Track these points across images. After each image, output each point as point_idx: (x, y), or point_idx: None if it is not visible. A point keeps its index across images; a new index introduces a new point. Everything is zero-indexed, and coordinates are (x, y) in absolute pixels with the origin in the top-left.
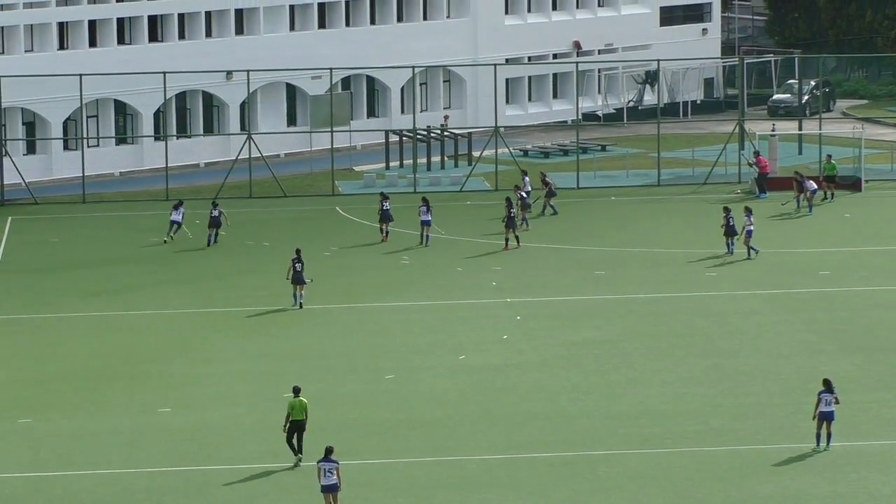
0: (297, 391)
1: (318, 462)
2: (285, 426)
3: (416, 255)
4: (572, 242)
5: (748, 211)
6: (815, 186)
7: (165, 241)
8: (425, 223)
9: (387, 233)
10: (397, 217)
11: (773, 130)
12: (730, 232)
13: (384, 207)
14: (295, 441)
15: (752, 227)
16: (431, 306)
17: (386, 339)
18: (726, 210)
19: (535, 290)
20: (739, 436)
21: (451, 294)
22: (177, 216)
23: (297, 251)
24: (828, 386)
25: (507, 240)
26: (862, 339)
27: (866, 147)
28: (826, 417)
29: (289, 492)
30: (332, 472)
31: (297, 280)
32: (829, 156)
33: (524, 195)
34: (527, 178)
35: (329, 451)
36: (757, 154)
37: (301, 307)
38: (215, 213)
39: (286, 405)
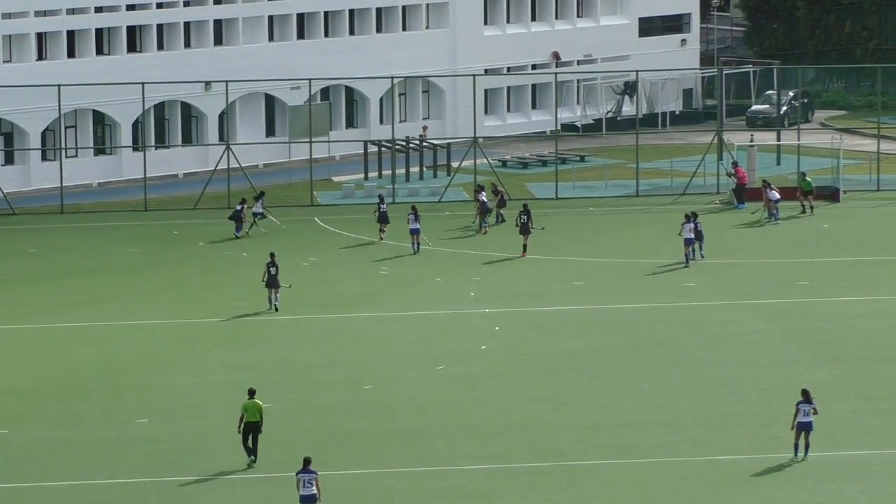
0: (251, 393)
1: (296, 473)
2: (239, 427)
3: (394, 266)
4: (551, 253)
5: (689, 218)
6: (778, 196)
7: (247, 234)
8: (414, 231)
9: (383, 231)
10: (377, 227)
11: (751, 141)
12: (698, 237)
13: (381, 209)
14: (250, 443)
15: (690, 236)
16: (410, 317)
17: (365, 350)
18: (694, 216)
19: (514, 301)
20: (717, 446)
21: (429, 304)
22: (258, 208)
23: (272, 255)
24: (806, 396)
25: (524, 246)
26: (840, 349)
27: (845, 158)
28: (804, 427)
29: (267, 502)
30: (311, 483)
31: (272, 284)
32: (804, 173)
33: (485, 200)
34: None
35: (307, 461)
36: (735, 165)
37: (276, 310)
38: (383, 207)
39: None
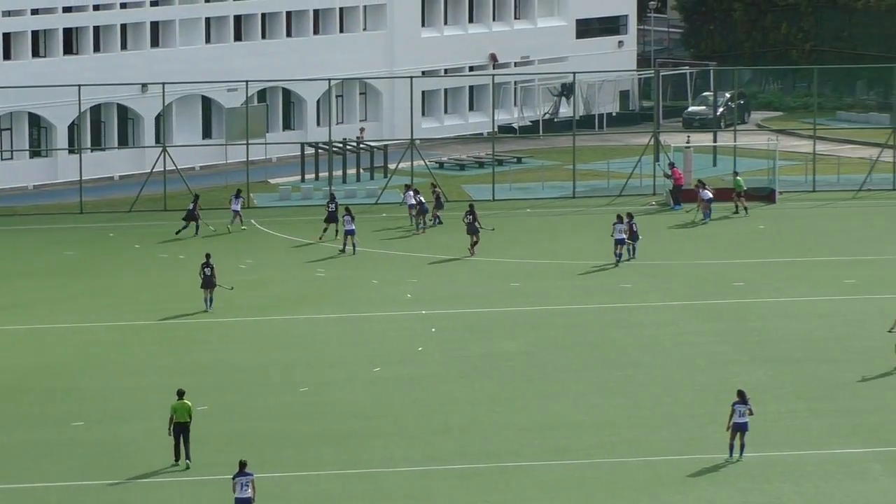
0: (181, 394)
1: (233, 477)
2: (170, 429)
3: (331, 268)
4: (487, 254)
5: (620, 219)
6: (711, 196)
7: (228, 230)
8: (349, 232)
9: (325, 231)
10: (314, 229)
11: (688, 142)
12: (633, 237)
13: (330, 209)
14: (182, 445)
15: (621, 236)
16: (346, 318)
17: (301, 352)
18: (630, 216)
19: (451, 302)
20: (653, 447)
21: (366, 306)
22: (236, 206)
23: (207, 255)
24: (741, 397)
25: (473, 244)
26: (775, 349)
27: (781, 159)
28: (739, 428)
29: None
30: (247, 486)
31: (207, 284)
32: (736, 172)
33: (422, 200)
34: (410, 192)
35: (243, 465)
36: (672, 166)
37: (208, 309)
38: (332, 207)
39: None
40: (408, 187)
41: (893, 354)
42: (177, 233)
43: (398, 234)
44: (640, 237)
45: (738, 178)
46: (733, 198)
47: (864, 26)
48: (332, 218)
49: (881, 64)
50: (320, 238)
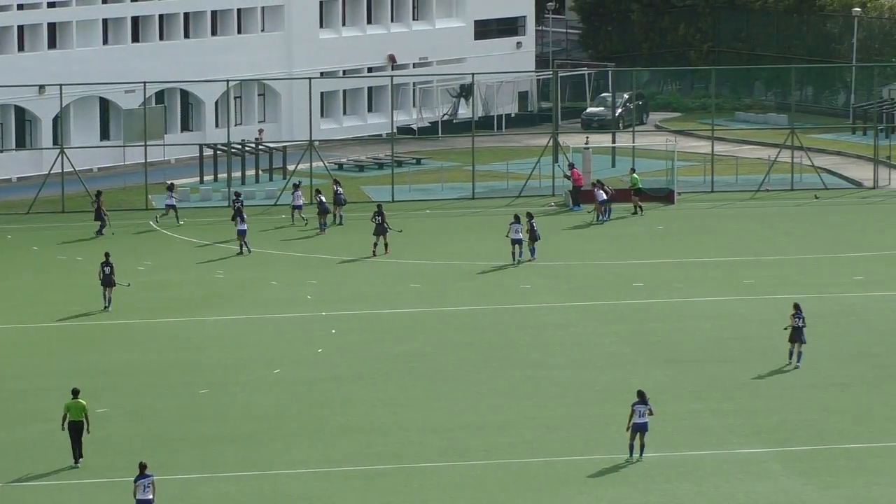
0: (75, 393)
1: (134, 480)
2: (63, 426)
3: (231, 269)
4: (387, 255)
5: (517, 219)
6: (605, 196)
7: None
8: (241, 232)
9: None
10: (212, 232)
11: (586, 143)
12: (534, 237)
13: (236, 208)
14: (75, 442)
15: (517, 236)
16: (246, 320)
17: (200, 354)
18: (530, 216)
19: (351, 304)
20: (554, 447)
21: (265, 308)
22: (171, 200)
23: (106, 254)
24: (641, 397)
25: (374, 245)
26: (675, 350)
27: (679, 159)
28: (639, 428)
29: None
30: (148, 488)
31: (107, 283)
32: (632, 169)
33: (323, 200)
34: (298, 192)
35: (143, 466)
36: (572, 167)
37: (108, 309)
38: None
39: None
40: (296, 187)
41: (788, 346)
42: (98, 233)
43: (298, 236)
44: (540, 238)
45: (635, 175)
46: (631, 198)
47: (761, 27)
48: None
49: (779, 65)
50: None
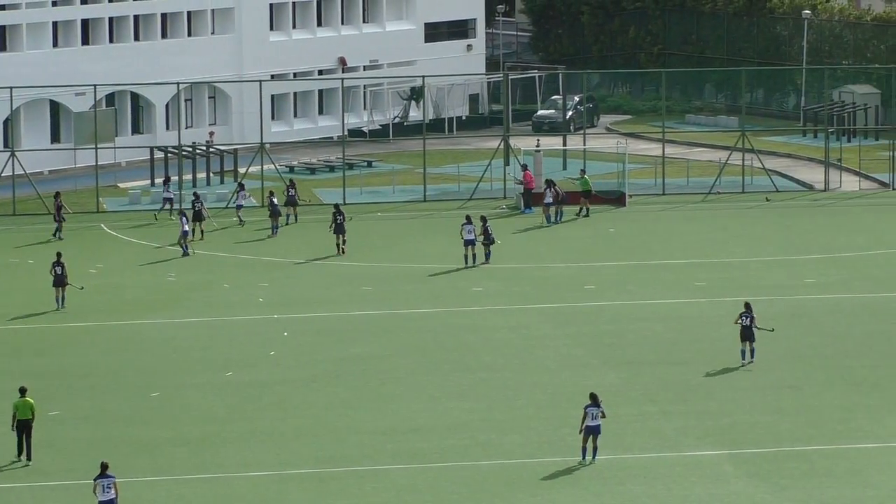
0: (23, 391)
1: (94, 479)
2: (13, 425)
3: (182, 272)
4: (339, 258)
5: (469, 219)
6: (550, 199)
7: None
8: (185, 234)
9: (202, 232)
10: (165, 234)
11: (537, 146)
12: (489, 240)
13: (196, 208)
14: (24, 442)
15: (470, 237)
16: (198, 323)
17: (152, 357)
18: (484, 219)
19: (303, 306)
20: (506, 450)
21: (217, 310)
22: (169, 193)
23: (58, 254)
24: (594, 400)
25: (338, 245)
26: (627, 352)
27: (630, 162)
28: (592, 431)
29: None
30: (110, 488)
31: (59, 283)
32: (583, 171)
33: (275, 202)
34: (244, 192)
35: (105, 466)
36: (525, 168)
37: (60, 309)
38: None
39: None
40: (241, 186)
41: (740, 346)
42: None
43: (250, 238)
44: (496, 241)
45: (586, 176)
46: (579, 199)
47: (711, 29)
48: (197, 217)
49: (729, 67)
50: (199, 238)
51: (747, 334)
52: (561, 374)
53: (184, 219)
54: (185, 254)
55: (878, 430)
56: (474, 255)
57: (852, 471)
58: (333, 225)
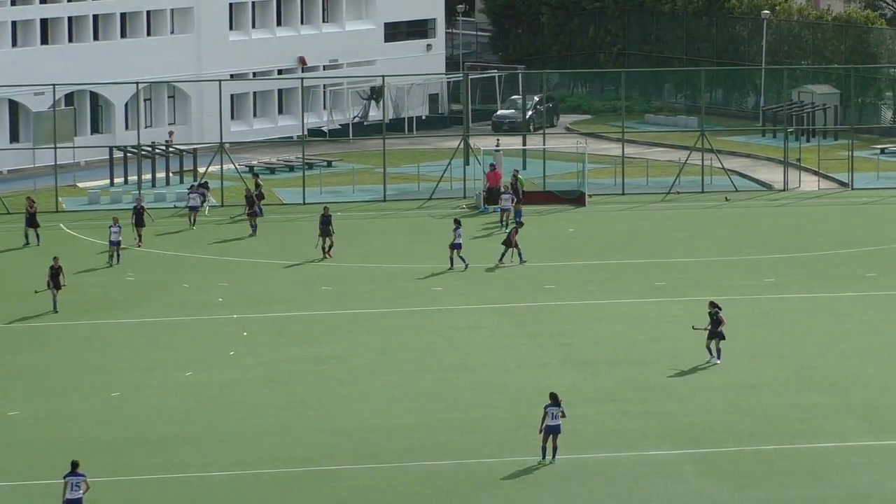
0: None
1: (64, 476)
2: None
3: (141, 272)
4: (298, 258)
5: (458, 223)
6: (509, 204)
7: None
8: (114, 243)
9: (140, 237)
10: (123, 234)
11: (497, 146)
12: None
13: (138, 211)
14: None
15: (459, 241)
16: (157, 323)
17: (111, 357)
18: (457, 223)
19: (262, 306)
20: (466, 449)
21: (176, 310)
22: (197, 199)
23: (55, 258)
24: (554, 399)
25: (323, 248)
26: (587, 352)
27: (590, 162)
28: (552, 431)
29: None
30: (78, 486)
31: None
32: (516, 170)
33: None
34: (195, 195)
35: (75, 465)
36: (493, 167)
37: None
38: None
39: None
40: (194, 188)
41: (706, 348)
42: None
43: (208, 238)
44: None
45: (520, 176)
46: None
47: (670, 29)
48: (139, 221)
49: (688, 67)
50: (138, 245)
51: (715, 332)
52: (521, 374)
53: (115, 227)
54: (110, 263)
55: (837, 429)
56: (462, 259)
57: (811, 470)
58: (320, 226)
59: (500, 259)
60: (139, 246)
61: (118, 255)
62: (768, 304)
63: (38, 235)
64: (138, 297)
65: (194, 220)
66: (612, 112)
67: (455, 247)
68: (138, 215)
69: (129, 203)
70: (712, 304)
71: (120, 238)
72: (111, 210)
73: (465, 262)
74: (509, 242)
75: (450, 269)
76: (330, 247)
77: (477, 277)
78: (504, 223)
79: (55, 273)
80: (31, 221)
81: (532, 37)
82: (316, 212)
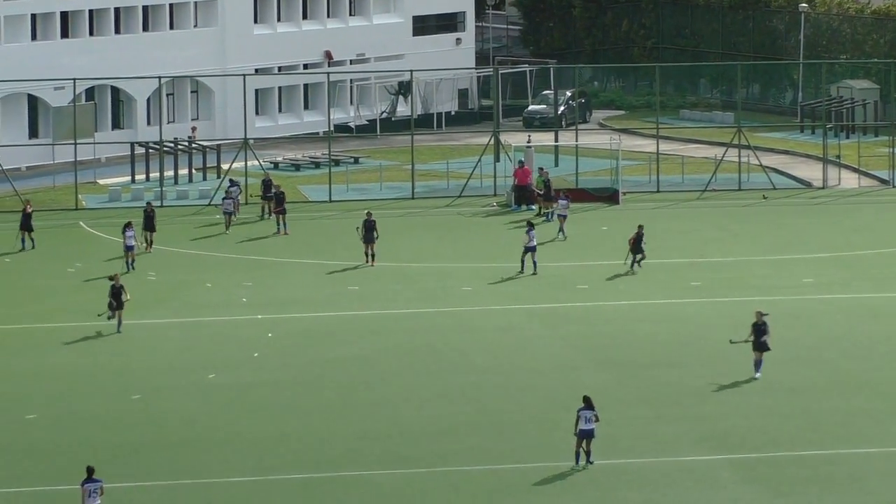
0: None
1: (81, 484)
2: None
3: (163, 271)
4: (325, 257)
5: (531, 225)
6: (565, 211)
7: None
8: (128, 248)
9: (151, 242)
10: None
11: (528, 142)
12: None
13: (148, 214)
14: None
15: (533, 244)
16: (179, 324)
17: (133, 358)
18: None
19: (287, 306)
20: (497, 454)
21: (199, 311)
22: (231, 204)
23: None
24: (587, 403)
25: (366, 254)
26: (622, 353)
27: (623, 158)
28: (586, 435)
29: None
30: (96, 493)
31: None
32: (543, 169)
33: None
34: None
35: (91, 471)
36: (521, 164)
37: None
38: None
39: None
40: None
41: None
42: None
43: (233, 236)
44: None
45: (540, 176)
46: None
47: (706, 23)
48: (149, 225)
49: (724, 62)
50: (147, 250)
51: (760, 343)
52: (553, 377)
53: (129, 231)
54: (132, 268)
55: (880, 434)
56: (534, 264)
57: (853, 477)
58: (363, 232)
59: (632, 266)
60: (149, 251)
61: (133, 261)
62: (808, 305)
63: (32, 239)
64: (159, 297)
65: (229, 225)
66: (647, 107)
67: (530, 250)
68: (148, 219)
69: (150, 200)
70: (759, 314)
71: (134, 243)
72: (132, 208)
73: (535, 266)
74: (637, 248)
75: (520, 273)
76: (373, 256)
77: (508, 277)
78: (563, 231)
79: (117, 292)
80: (26, 224)
81: (564, 30)
82: (342, 210)
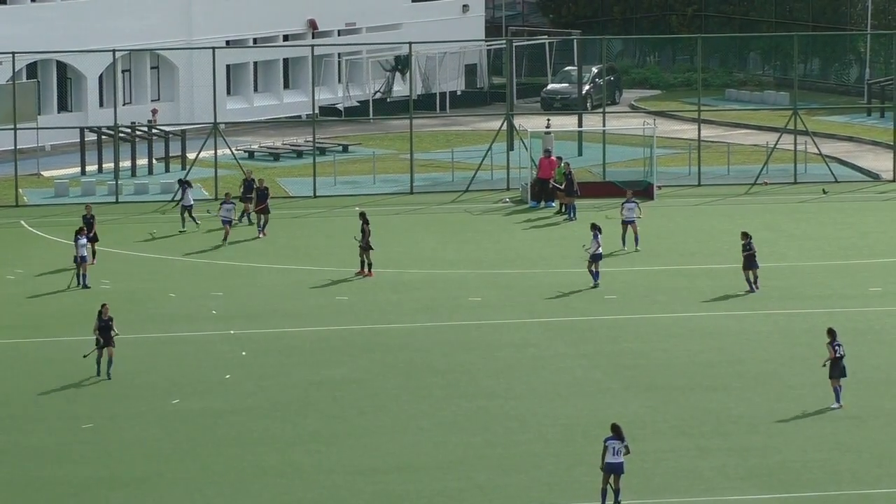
0: None
1: None
2: None
3: (119, 279)
4: (308, 263)
5: (598, 229)
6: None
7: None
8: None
9: (94, 254)
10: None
11: (547, 127)
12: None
13: (88, 221)
14: None
15: (600, 251)
16: (137, 340)
17: (83, 381)
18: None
19: (265, 320)
20: (510, 492)
21: (161, 325)
22: (231, 211)
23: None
24: (616, 432)
25: (362, 262)
26: (656, 376)
27: (659, 146)
28: (614, 469)
29: None
30: None
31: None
32: (564, 161)
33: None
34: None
35: None
36: (548, 153)
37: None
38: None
39: None
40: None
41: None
42: None
43: (200, 238)
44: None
45: (561, 167)
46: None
47: None
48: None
49: (778, 32)
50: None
51: (839, 370)
52: (575, 402)
53: (81, 239)
54: (83, 284)
55: None
56: (597, 273)
57: None
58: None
59: (752, 286)
60: (91, 263)
61: (84, 276)
62: (874, 319)
63: None
64: (113, 310)
65: (226, 236)
66: (686, 86)
67: (596, 258)
68: (88, 226)
69: (103, 195)
70: (831, 333)
71: (87, 253)
72: (82, 204)
73: (597, 277)
74: (750, 264)
75: (594, 286)
76: (370, 265)
77: (522, 285)
78: (625, 241)
79: (105, 326)
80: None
81: None
82: (328, 207)
